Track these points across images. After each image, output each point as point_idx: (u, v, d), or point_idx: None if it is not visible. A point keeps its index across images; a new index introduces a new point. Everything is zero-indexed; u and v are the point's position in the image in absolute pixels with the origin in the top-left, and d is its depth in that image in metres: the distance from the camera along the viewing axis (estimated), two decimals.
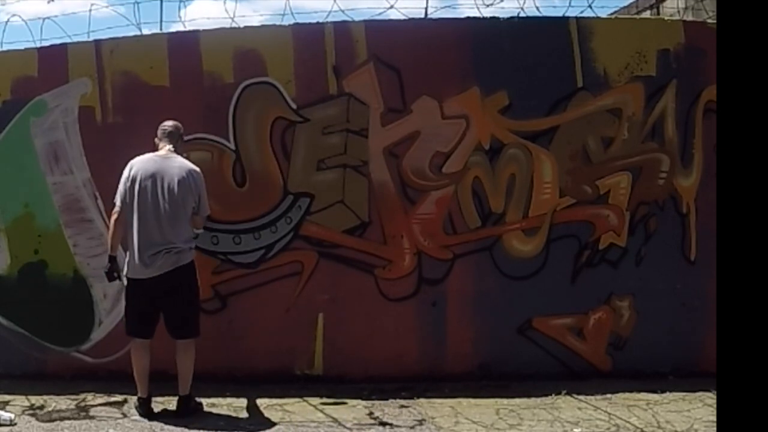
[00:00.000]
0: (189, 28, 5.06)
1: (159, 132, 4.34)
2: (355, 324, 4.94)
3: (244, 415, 4.35)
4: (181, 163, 4.26)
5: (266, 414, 4.37)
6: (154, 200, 4.15)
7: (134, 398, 4.55)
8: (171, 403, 4.38)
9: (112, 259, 4.21)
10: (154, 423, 4.19)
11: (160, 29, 5.11)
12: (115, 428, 4.12)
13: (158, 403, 4.37)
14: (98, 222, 4.93)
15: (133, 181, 4.17)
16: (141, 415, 4.24)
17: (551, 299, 4.96)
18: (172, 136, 4.32)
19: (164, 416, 4.25)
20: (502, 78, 4.89)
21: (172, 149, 4.29)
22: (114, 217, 4.24)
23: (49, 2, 5.16)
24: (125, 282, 4.27)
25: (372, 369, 4.91)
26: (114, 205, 4.25)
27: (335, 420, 4.28)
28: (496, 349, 4.97)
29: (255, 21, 5.06)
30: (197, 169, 4.30)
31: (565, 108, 4.93)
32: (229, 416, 4.30)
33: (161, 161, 4.24)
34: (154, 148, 4.34)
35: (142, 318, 4.24)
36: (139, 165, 4.22)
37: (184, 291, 4.22)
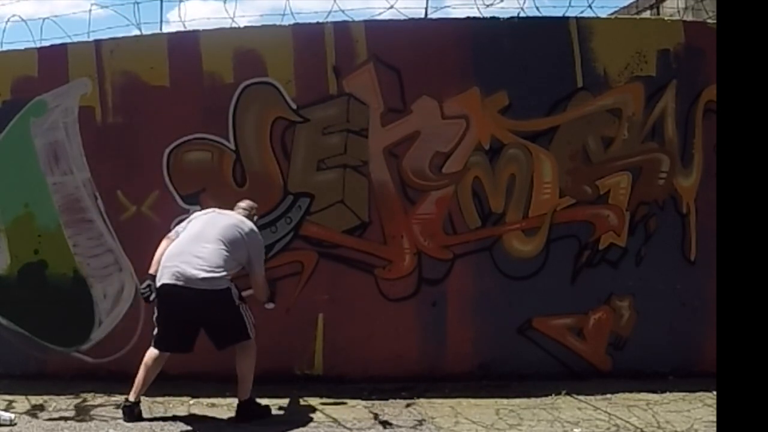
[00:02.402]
0: (189, 28, 5.06)
1: (235, 207, 4.47)
2: (355, 324, 4.94)
3: None
4: (243, 220, 4.33)
5: None
6: (201, 230, 4.21)
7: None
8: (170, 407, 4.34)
9: (152, 278, 4.18)
10: (154, 423, 4.19)
11: (160, 29, 5.12)
12: (115, 428, 4.12)
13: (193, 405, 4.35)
14: (98, 222, 4.94)
15: (195, 217, 4.36)
16: (126, 420, 4.13)
17: (551, 299, 4.96)
18: (245, 211, 4.43)
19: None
20: (502, 78, 4.89)
21: (241, 214, 4.39)
22: (165, 240, 4.28)
23: None
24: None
25: (372, 369, 4.91)
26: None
27: (335, 420, 4.27)
28: (496, 349, 4.97)
29: (244, 22, 5.07)
30: (258, 233, 4.34)
31: (565, 108, 4.93)
32: (229, 416, 4.29)
33: (225, 211, 4.40)
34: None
35: (171, 332, 4.15)
36: (208, 210, 4.45)
37: (218, 313, 4.10)
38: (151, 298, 4.17)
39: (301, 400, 4.59)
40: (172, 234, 4.32)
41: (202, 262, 4.05)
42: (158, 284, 4.12)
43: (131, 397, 4.17)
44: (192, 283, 4.01)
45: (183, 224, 4.35)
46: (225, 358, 4.83)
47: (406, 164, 4.90)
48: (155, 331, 4.22)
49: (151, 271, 4.19)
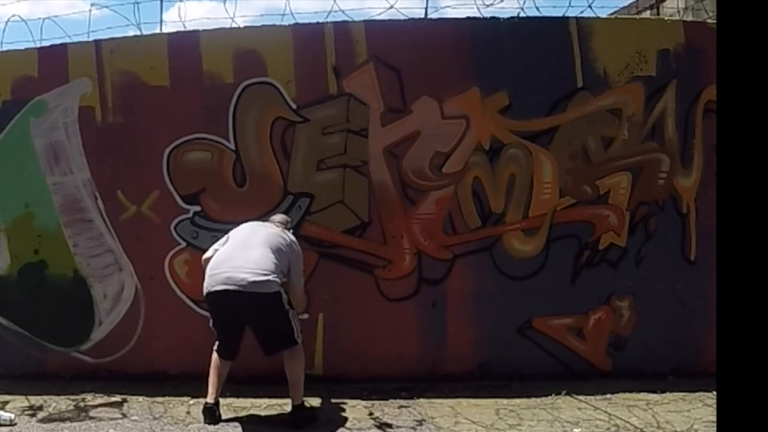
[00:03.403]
0: (188, 28, 5.06)
1: (270, 220, 4.54)
2: (355, 324, 4.93)
3: (244, 415, 4.35)
4: (282, 232, 4.37)
5: (266, 414, 4.38)
6: (246, 238, 4.25)
7: (134, 398, 4.60)
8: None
9: None
10: (154, 423, 4.19)
11: (160, 29, 5.13)
12: (114, 428, 4.13)
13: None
14: (98, 222, 4.94)
15: (234, 231, 4.37)
16: (206, 422, 4.15)
17: (551, 299, 4.96)
18: (281, 225, 4.47)
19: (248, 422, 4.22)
20: (502, 78, 4.88)
21: (278, 227, 4.44)
22: (204, 262, 4.29)
23: None
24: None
25: (372, 369, 4.91)
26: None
27: (335, 420, 4.27)
28: (496, 349, 4.97)
29: (241, 21, 5.06)
30: (297, 244, 4.37)
31: (565, 108, 4.92)
32: (229, 416, 4.29)
33: (263, 223, 4.46)
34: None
35: (226, 339, 4.21)
36: (246, 224, 4.44)
37: (269, 316, 4.12)
38: None
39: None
40: (209, 252, 4.32)
41: (253, 265, 4.06)
42: (206, 291, 4.14)
43: (209, 399, 4.18)
44: (243, 287, 4.01)
45: (221, 240, 4.36)
46: None
47: (406, 164, 4.90)
48: (215, 337, 4.26)
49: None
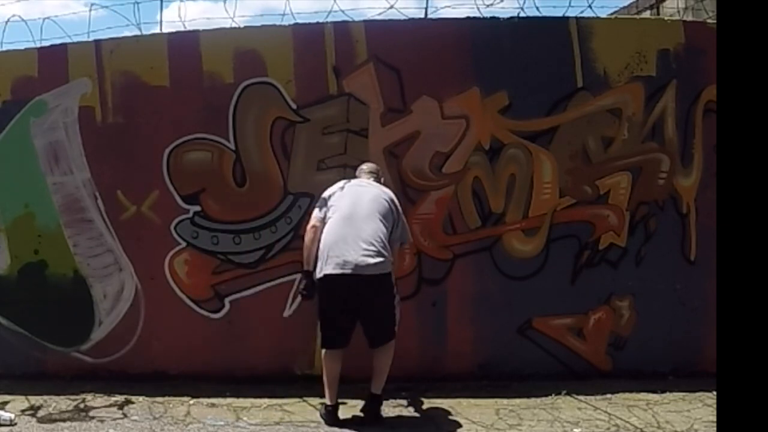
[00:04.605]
0: (188, 28, 5.06)
1: (358, 172, 4.51)
2: None
3: (244, 415, 4.35)
4: (382, 188, 4.36)
5: (266, 414, 4.38)
6: (353, 207, 4.17)
7: (134, 398, 4.60)
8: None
9: (309, 275, 4.18)
10: (154, 423, 4.19)
11: (160, 29, 5.13)
12: (115, 428, 4.13)
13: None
14: (98, 222, 4.94)
15: (333, 194, 4.28)
16: (327, 424, 4.15)
17: (551, 299, 4.96)
18: (372, 175, 4.47)
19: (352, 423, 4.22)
20: (502, 78, 4.88)
21: (372, 179, 4.43)
22: (311, 230, 4.22)
23: None
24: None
25: (372, 369, 4.90)
26: (313, 218, 4.28)
27: (335, 420, 4.27)
28: (496, 349, 4.97)
29: (238, 21, 5.07)
30: (395, 197, 4.37)
31: (565, 108, 4.92)
32: (229, 416, 4.29)
33: (363, 182, 4.39)
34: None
35: (338, 325, 4.16)
36: (341, 184, 4.35)
37: (382, 299, 4.14)
38: (312, 295, 4.16)
39: (301, 399, 4.59)
40: (316, 222, 4.24)
41: (367, 245, 4.04)
42: (321, 275, 4.10)
43: (328, 402, 4.19)
44: (360, 270, 4.00)
45: (324, 208, 4.25)
46: (224, 359, 4.86)
47: (406, 164, 4.90)
48: (321, 330, 4.26)
49: (307, 267, 4.20)
